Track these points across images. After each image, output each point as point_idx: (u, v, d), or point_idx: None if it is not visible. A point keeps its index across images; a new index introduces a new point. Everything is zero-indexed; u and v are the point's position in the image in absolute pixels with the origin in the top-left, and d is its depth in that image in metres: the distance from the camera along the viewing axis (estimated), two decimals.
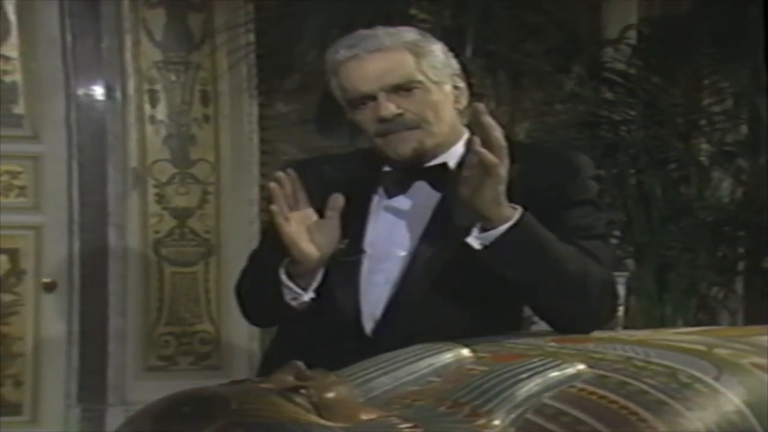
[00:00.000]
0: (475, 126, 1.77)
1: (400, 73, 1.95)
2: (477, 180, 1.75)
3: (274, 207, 1.91)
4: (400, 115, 1.95)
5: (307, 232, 1.91)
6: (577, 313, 1.85)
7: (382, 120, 1.95)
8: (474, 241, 1.79)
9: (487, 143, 1.73)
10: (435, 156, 2.00)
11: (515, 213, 1.78)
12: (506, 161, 1.74)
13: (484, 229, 1.78)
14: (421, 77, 1.96)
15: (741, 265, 4.00)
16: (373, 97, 1.95)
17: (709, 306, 3.86)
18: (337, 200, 1.92)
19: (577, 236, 1.91)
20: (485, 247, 1.78)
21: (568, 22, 4.00)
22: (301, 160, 2.36)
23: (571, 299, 1.85)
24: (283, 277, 1.94)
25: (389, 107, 1.94)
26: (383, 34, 1.97)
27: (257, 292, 2.05)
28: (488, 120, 1.74)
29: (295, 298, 1.94)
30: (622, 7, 4.25)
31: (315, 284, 1.95)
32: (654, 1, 4.25)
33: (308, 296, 1.94)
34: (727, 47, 3.68)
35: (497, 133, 1.73)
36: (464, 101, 2.03)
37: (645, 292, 3.76)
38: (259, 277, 2.05)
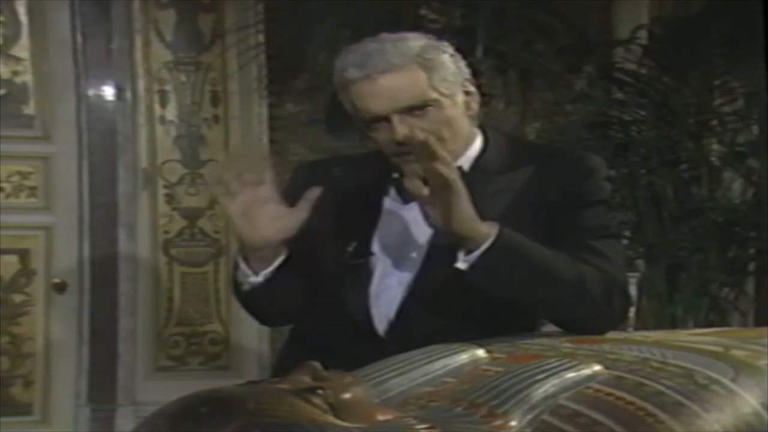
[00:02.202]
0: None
1: (413, 94, 1.90)
2: (443, 201, 1.75)
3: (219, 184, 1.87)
4: None
5: (257, 213, 1.84)
6: (582, 317, 1.85)
7: (398, 143, 1.91)
8: (462, 264, 1.79)
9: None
10: None
11: (493, 229, 1.78)
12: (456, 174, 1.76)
13: (469, 252, 1.78)
14: (434, 95, 1.91)
15: (752, 266, 3.99)
16: (386, 119, 1.91)
17: (720, 307, 3.84)
18: (312, 192, 1.87)
19: (590, 237, 1.90)
20: (472, 267, 1.78)
21: (579, 22, 3.99)
22: (311, 162, 2.35)
23: (571, 305, 1.84)
24: (238, 257, 1.93)
25: (404, 132, 1.89)
26: (391, 49, 1.90)
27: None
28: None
29: (245, 281, 1.92)
30: (633, 7, 4.24)
31: (268, 270, 1.91)
32: (665, 0, 4.23)
33: (255, 279, 1.91)
34: (738, 47, 3.67)
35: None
36: (476, 105, 1.99)
37: (655, 292, 3.75)
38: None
